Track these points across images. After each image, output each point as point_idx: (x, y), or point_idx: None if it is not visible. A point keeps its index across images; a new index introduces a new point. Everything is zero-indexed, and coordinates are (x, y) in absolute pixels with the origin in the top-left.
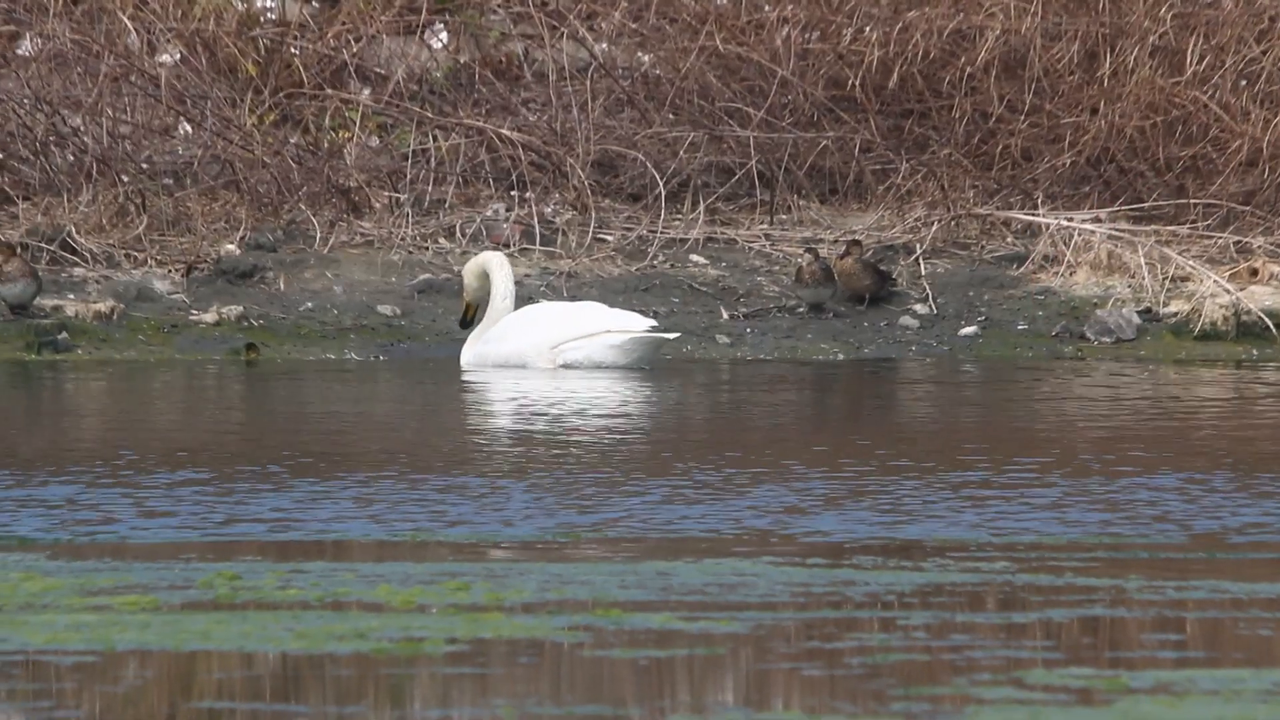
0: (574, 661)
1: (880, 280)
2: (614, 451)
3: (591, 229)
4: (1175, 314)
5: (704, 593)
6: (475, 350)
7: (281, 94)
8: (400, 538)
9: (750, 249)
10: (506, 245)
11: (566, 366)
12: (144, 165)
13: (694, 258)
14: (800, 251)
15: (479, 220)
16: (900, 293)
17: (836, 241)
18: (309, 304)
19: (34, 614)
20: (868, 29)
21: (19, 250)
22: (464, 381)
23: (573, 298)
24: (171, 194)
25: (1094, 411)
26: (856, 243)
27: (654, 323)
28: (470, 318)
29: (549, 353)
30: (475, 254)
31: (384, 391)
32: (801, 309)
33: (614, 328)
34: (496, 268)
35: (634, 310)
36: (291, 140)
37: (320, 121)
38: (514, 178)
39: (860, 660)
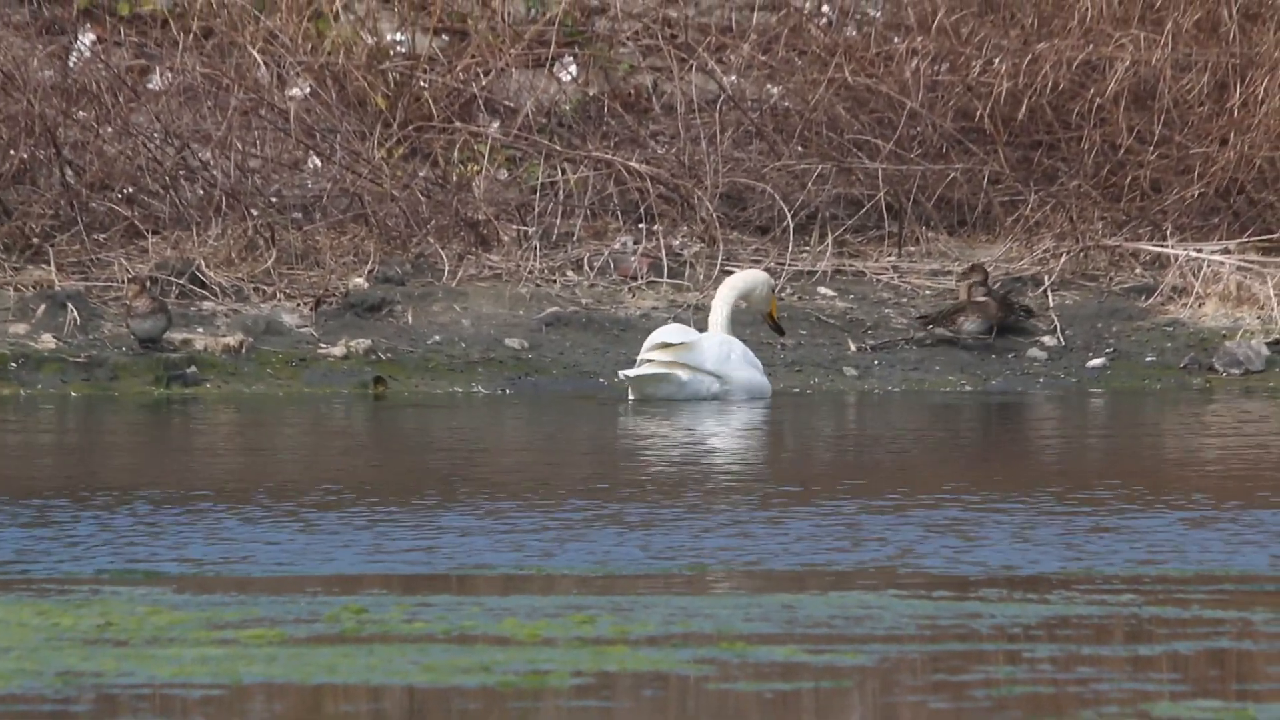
0: (699, 695)
1: (1005, 310)
2: (736, 483)
3: (719, 261)
4: None
5: (829, 625)
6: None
7: (410, 127)
8: (526, 571)
9: (878, 281)
10: (634, 278)
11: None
12: (273, 199)
13: (821, 290)
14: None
15: (607, 253)
16: (1029, 325)
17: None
18: (437, 337)
19: (160, 648)
20: (996, 60)
21: (148, 285)
22: (593, 414)
23: (700, 330)
24: (300, 228)
25: (1222, 444)
26: (976, 267)
27: (679, 338)
28: (777, 325)
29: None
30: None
31: (511, 425)
32: (930, 342)
33: (643, 355)
34: (721, 293)
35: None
36: (420, 174)
37: (449, 155)
38: (642, 210)
39: (986, 693)
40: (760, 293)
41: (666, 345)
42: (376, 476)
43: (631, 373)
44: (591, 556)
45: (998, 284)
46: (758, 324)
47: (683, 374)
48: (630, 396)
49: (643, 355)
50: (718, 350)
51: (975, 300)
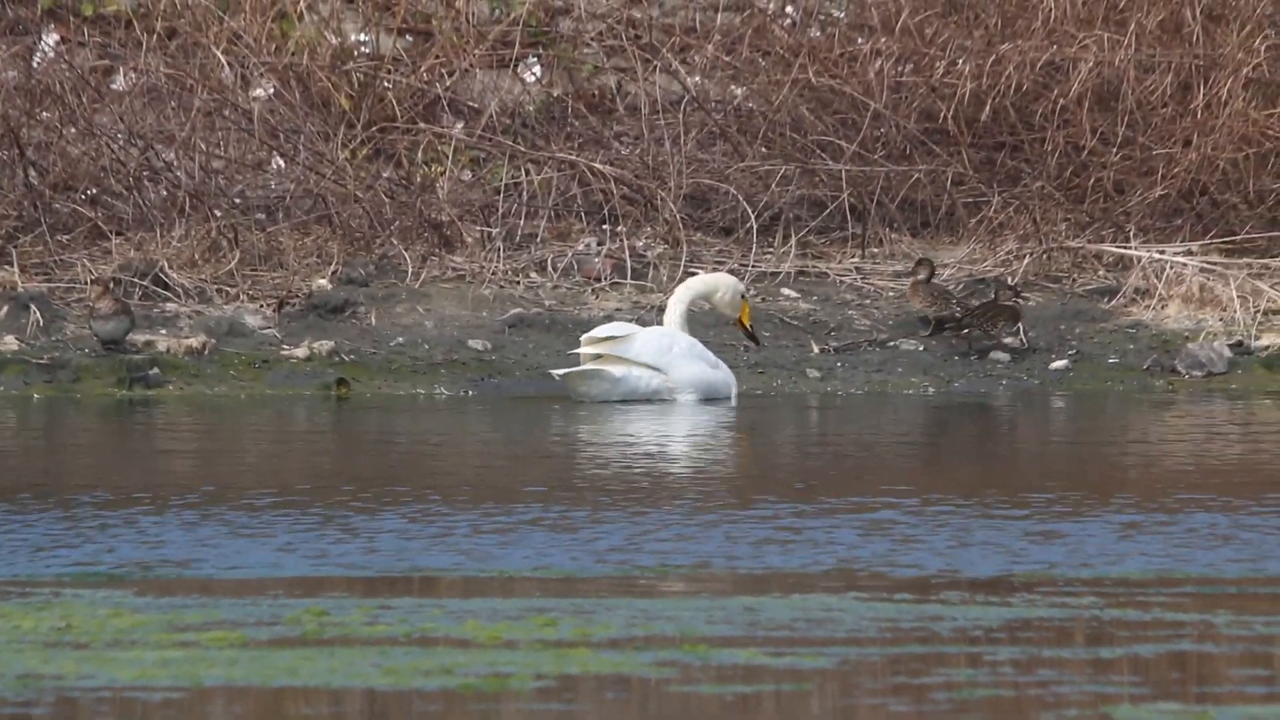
0: (661, 697)
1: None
2: (699, 486)
3: (683, 263)
4: (1267, 347)
5: (791, 628)
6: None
7: (374, 128)
8: (488, 573)
9: (841, 282)
10: (598, 279)
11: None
12: (236, 200)
13: (785, 291)
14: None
15: (570, 254)
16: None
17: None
18: (400, 339)
19: (122, 650)
20: (960, 62)
21: (111, 286)
22: (555, 415)
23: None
24: (264, 229)
25: (1185, 446)
26: (923, 261)
27: (614, 332)
28: (751, 334)
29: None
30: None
31: (474, 426)
32: (893, 343)
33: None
34: (696, 283)
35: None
36: (384, 174)
37: (413, 156)
38: (606, 211)
39: (947, 696)
40: (725, 297)
41: (599, 340)
42: (335, 478)
43: (560, 371)
44: (551, 559)
45: (956, 284)
46: (721, 325)
47: (615, 370)
48: (573, 396)
49: (579, 352)
50: (657, 343)
51: (1003, 303)
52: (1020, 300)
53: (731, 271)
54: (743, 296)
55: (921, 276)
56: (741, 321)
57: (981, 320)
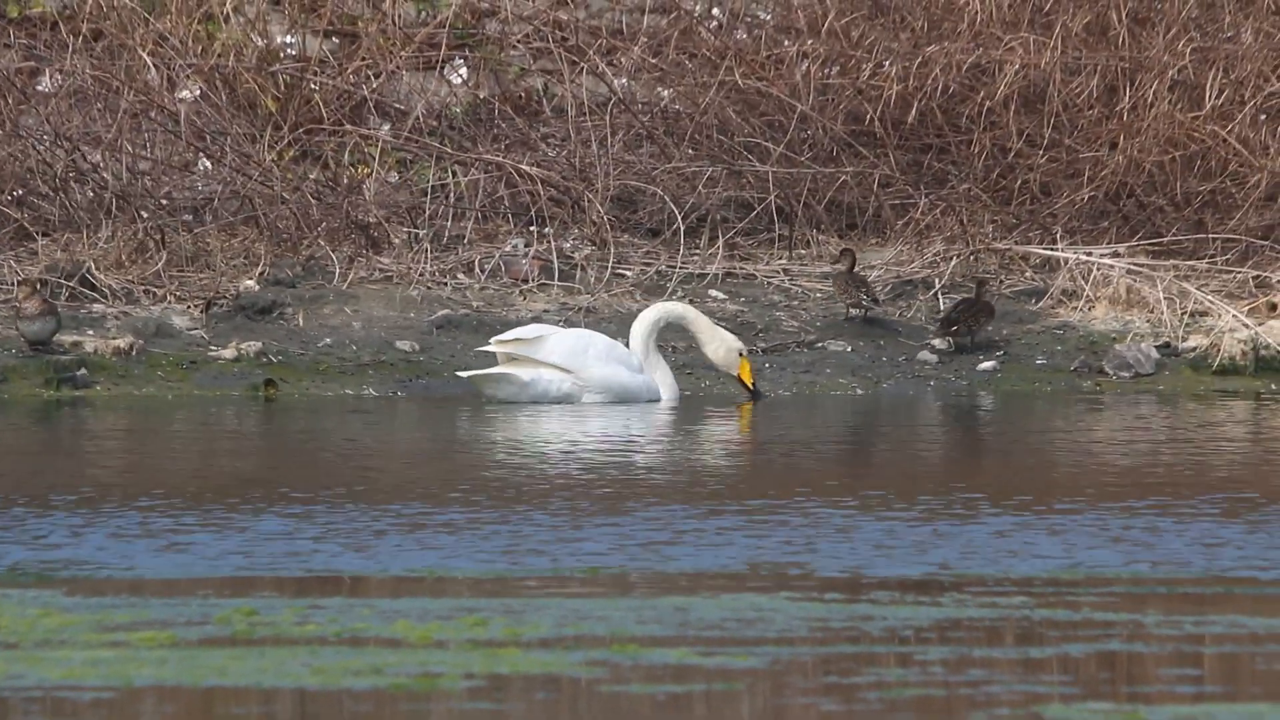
0: (591, 697)
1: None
2: (632, 487)
3: (610, 264)
4: (1194, 349)
5: (721, 628)
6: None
7: (301, 130)
8: (418, 573)
9: (769, 284)
10: (525, 281)
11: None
12: (163, 201)
13: (713, 293)
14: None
15: (498, 255)
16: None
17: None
18: (328, 340)
19: (51, 650)
20: (887, 64)
21: (39, 287)
22: (483, 417)
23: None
24: (191, 230)
25: (1112, 447)
26: (847, 252)
27: (523, 334)
28: (753, 388)
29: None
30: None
31: (402, 427)
32: (821, 344)
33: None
34: (693, 317)
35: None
36: (311, 176)
37: (340, 157)
38: (533, 213)
39: (878, 695)
40: (718, 351)
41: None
42: (262, 479)
43: (467, 373)
44: (483, 560)
45: (884, 285)
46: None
47: (524, 374)
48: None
49: (497, 343)
50: (570, 344)
51: (984, 300)
52: (992, 297)
53: (659, 273)
54: (741, 354)
55: (844, 266)
56: (740, 378)
57: (967, 318)
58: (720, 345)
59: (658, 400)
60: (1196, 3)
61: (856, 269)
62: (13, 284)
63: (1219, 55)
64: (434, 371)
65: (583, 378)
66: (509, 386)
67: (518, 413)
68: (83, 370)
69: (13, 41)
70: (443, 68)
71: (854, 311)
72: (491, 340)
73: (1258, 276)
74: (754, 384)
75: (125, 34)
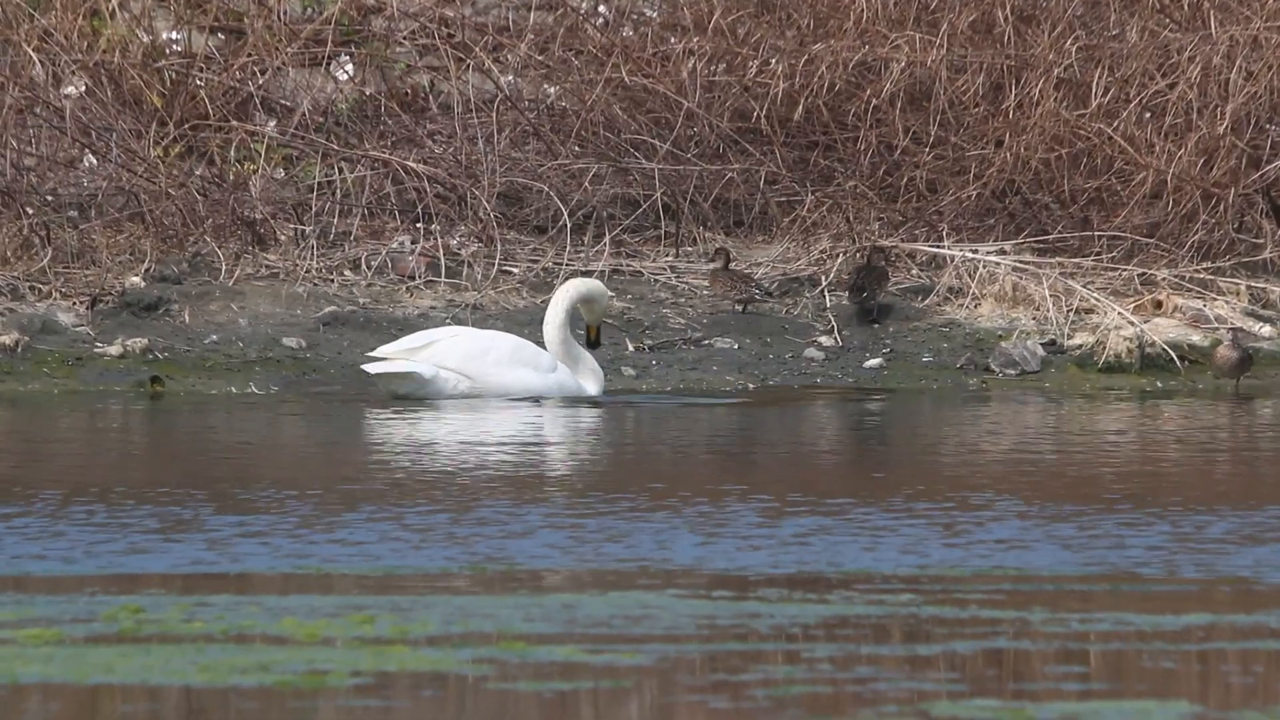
0: (479, 694)
1: (744, 288)
2: (520, 483)
3: (497, 261)
4: (1080, 346)
5: (609, 625)
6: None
7: (187, 126)
8: (305, 571)
9: (656, 281)
10: (412, 278)
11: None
12: (49, 197)
13: None
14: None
15: (384, 252)
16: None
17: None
18: (214, 336)
19: None
20: (773, 61)
21: None
22: (367, 414)
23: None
24: (76, 226)
25: (997, 444)
26: (720, 250)
27: (416, 342)
28: (593, 339)
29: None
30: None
31: (286, 425)
32: (707, 341)
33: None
34: (602, 293)
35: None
36: (197, 172)
37: (225, 153)
38: (420, 210)
39: (766, 693)
40: (603, 305)
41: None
42: (147, 476)
43: (374, 367)
44: (369, 557)
45: (770, 282)
46: (535, 323)
47: (426, 370)
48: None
49: (390, 350)
50: (465, 348)
51: (875, 265)
52: (888, 264)
53: (546, 270)
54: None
55: (719, 264)
56: (597, 327)
57: (870, 283)
58: (603, 298)
59: (583, 396)
60: (1081, 1)
61: (734, 265)
62: None
63: (1104, 54)
64: (321, 368)
65: (480, 383)
66: (410, 383)
67: (405, 411)
68: None
69: None
70: (329, 64)
71: (739, 307)
72: (380, 350)
73: (1143, 274)
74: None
75: (10, 29)
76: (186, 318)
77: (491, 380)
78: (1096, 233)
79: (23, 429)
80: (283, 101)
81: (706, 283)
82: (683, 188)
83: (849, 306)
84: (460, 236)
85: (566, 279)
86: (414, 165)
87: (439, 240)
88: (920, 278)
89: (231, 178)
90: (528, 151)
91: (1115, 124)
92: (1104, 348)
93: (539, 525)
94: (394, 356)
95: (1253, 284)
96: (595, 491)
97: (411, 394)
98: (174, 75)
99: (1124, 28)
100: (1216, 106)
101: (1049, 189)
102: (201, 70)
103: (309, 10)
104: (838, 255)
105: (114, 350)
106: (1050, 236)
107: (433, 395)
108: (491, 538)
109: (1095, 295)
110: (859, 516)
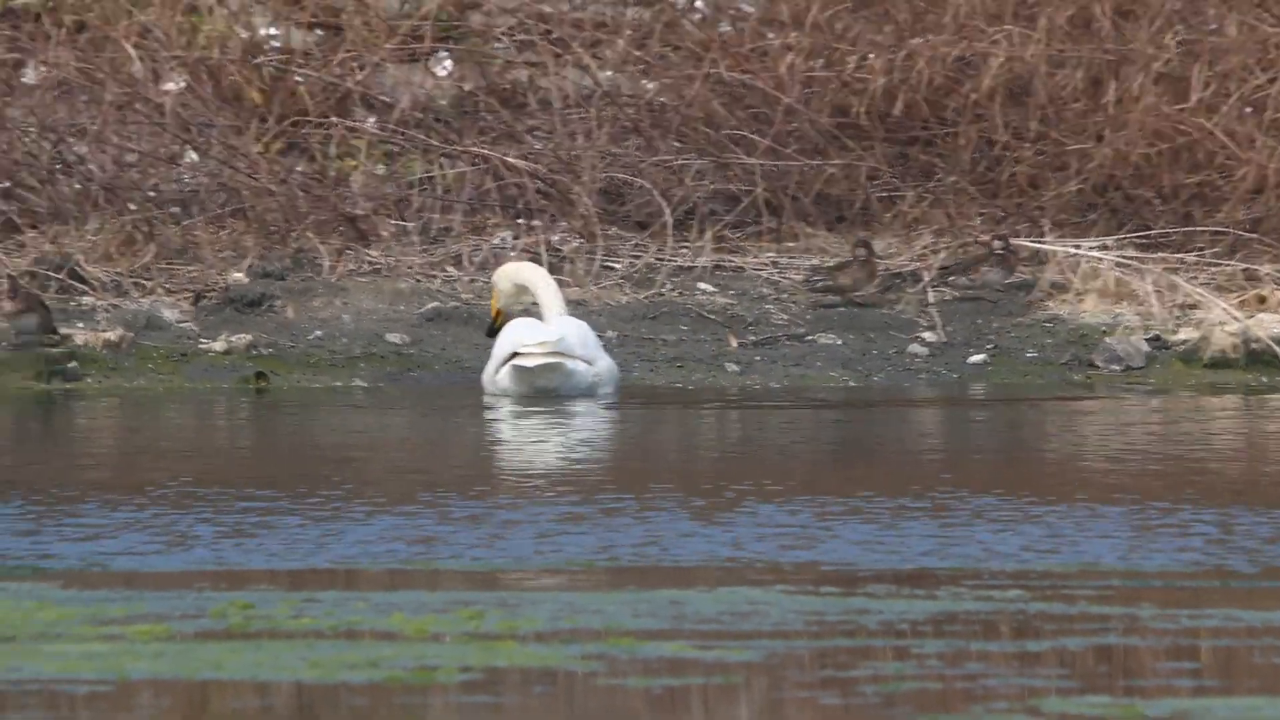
0: (587, 690)
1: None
2: (624, 480)
3: (599, 257)
4: (1184, 342)
5: (717, 621)
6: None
7: (287, 122)
8: (414, 566)
9: (758, 276)
10: None
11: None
12: (150, 193)
13: (702, 285)
14: None
15: (486, 248)
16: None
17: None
18: (318, 332)
19: (47, 643)
20: (872, 56)
21: (19, 284)
22: (473, 409)
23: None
24: (178, 222)
25: (1105, 440)
26: (864, 241)
27: (557, 335)
28: (498, 326)
29: (491, 378)
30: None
31: (393, 420)
32: (810, 337)
33: (521, 348)
34: (542, 283)
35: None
36: (297, 168)
37: (326, 149)
38: (521, 206)
39: (875, 689)
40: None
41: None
42: (254, 471)
43: (530, 362)
44: (478, 553)
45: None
46: (637, 318)
47: (572, 364)
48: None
49: (512, 348)
50: (578, 334)
51: (994, 251)
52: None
53: (648, 266)
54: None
55: (862, 254)
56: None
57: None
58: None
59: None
60: None
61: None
62: (1, 277)
63: (1204, 48)
64: (425, 364)
65: (595, 367)
66: (560, 376)
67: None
68: (73, 363)
69: None
70: (428, 60)
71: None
72: (522, 346)
73: (1246, 269)
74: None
75: (109, 25)
76: (290, 314)
77: (601, 364)
78: (1199, 228)
79: (130, 425)
80: (382, 97)
81: (844, 276)
82: (783, 183)
83: (951, 301)
84: (561, 232)
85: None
86: (514, 161)
87: (541, 236)
88: (1023, 273)
89: (332, 174)
90: (628, 147)
91: (1215, 119)
92: (1208, 343)
93: (642, 521)
94: (537, 350)
95: None
96: (708, 485)
97: (556, 389)
98: (273, 71)
99: (1222, 22)
100: None
101: (1150, 184)
102: (300, 66)
103: (407, 6)
104: (940, 250)
105: (218, 346)
106: (1152, 231)
107: (572, 388)
108: (597, 533)
109: (1199, 291)
110: (966, 513)
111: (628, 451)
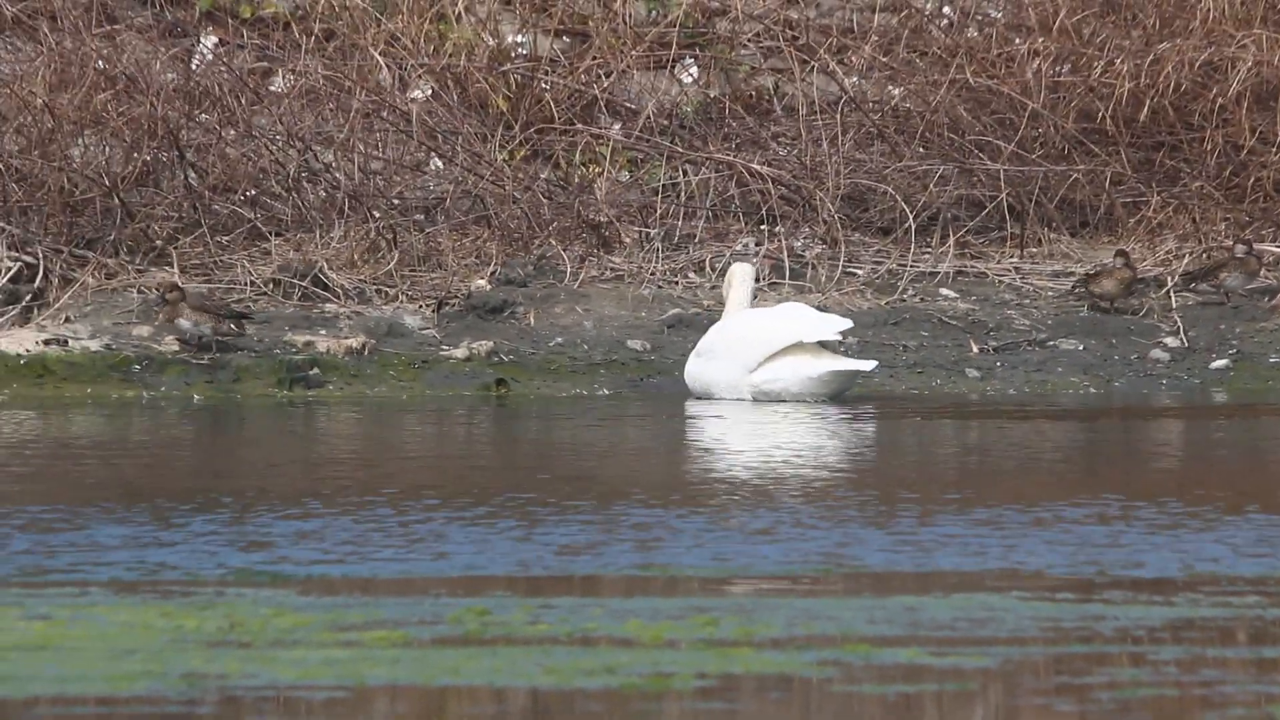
0: (823, 697)
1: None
2: (856, 486)
3: (841, 263)
4: None
5: (952, 628)
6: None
7: (532, 129)
8: (649, 573)
9: (1000, 282)
10: (757, 280)
11: (764, 398)
12: (395, 201)
13: (944, 291)
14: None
15: (729, 254)
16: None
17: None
18: (559, 339)
19: (285, 650)
20: (1118, 61)
21: (185, 293)
22: (713, 415)
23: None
24: (422, 230)
25: None
26: (1122, 251)
27: (847, 323)
28: None
29: (743, 383)
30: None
31: (634, 427)
32: (1052, 343)
33: (805, 338)
34: (739, 278)
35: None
36: (542, 176)
37: (570, 157)
38: (764, 212)
39: (1111, 695)
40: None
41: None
42: (496, 478)
43: (838, 367)
44: (713, 559)
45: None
46: (879, 324)
47: (865, 365)
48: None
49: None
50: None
51: (1236, 256)
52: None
53: (890, 272)
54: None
55: (1120, 263)
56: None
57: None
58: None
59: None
60: None
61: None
62: (246, 284)
63: None
64: (665, 370)
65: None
66: (848, 381)
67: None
68: (315, 370)
69: (245, 42)
70: (673, 67)
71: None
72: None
73: None
74: None
75: (357, 34)
76: (531, 320)
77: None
78: None
79: (374, 433)
80: (627, 104)
81: (1110, 286)
82: (1028, 189)
83: (1194, 306)
84: (804, 238)
85: (730, 265)
86: (758, 167)
87: (783, 242)
88: (1267, 278)
89: (576, 181)
90: (872, 153)
91: None
92: None
93: (878, 528)
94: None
95: None
96: (945, 496)
97: (840, 392)
98: (519, 78)
99: None
100: None
101: None
102: (546, 73)
103: (654, 13)
104: (1184, 256)
105: (459, 353)
106: None
107: (843, 390)
108: (832, 540)
109: None
110: (1207, 521)
111: (878, 456)
